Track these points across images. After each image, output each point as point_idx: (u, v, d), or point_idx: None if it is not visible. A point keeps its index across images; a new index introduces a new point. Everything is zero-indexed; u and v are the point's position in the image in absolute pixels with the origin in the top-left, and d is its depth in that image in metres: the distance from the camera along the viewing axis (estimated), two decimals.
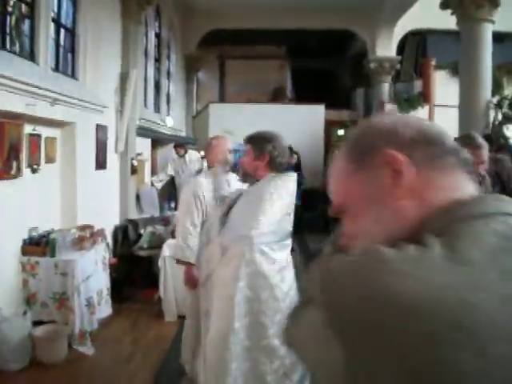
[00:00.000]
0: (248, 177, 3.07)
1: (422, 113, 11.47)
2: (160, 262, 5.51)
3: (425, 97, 12.04)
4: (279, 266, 2.94)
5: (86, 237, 5.13)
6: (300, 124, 12.77)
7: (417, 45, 13.50)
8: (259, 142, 2.99)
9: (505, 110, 7.95)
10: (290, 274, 3.03)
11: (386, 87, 12.90)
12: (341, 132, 13.65)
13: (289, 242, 3.08)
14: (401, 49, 13.00)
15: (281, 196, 2.91)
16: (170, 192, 9.38)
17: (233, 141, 4.07)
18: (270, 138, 2.98)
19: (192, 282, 3.62)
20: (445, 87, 11.52)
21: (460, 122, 7.07)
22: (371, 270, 0.71)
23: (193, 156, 9.64)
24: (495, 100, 7.88)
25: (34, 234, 4.80)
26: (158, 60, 10.49)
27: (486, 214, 0.76)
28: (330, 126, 13.79)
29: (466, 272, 0.68)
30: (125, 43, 7.09)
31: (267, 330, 2.83)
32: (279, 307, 2.84)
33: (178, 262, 3.74)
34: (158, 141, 9.83)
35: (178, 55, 12.23)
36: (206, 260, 3.29)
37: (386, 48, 12.43)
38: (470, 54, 7.02)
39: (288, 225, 3.04)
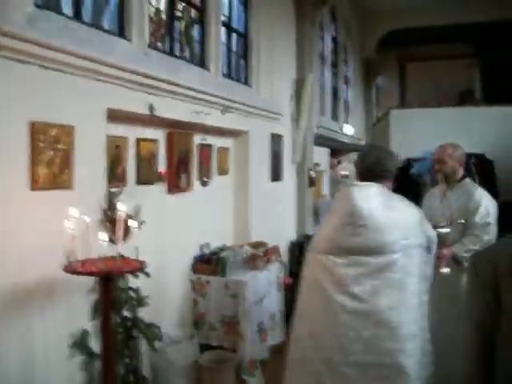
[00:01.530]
0: None
1: None
2: None
3: None
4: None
5: (259, 255, 4.73)
6: (494, 129, 11.12)
7: None
8: None
9: None
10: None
11: None
12: None
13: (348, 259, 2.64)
14: None
15: (339, 207, 2.75)
16: None
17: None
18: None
19: None
20: None
21: None
22: None
23: (345, 169, 7.91)
24: None
25: (205, 250, 4.53)
26: (334, 65, 9.95)
27: None
28: None
29: None
30: (300, 46, 6.67)
31: None
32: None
33: None
34: (337, 150, 9.18)
35: (356, 60, 11.62)
36: None
37: None
38: None
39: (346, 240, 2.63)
